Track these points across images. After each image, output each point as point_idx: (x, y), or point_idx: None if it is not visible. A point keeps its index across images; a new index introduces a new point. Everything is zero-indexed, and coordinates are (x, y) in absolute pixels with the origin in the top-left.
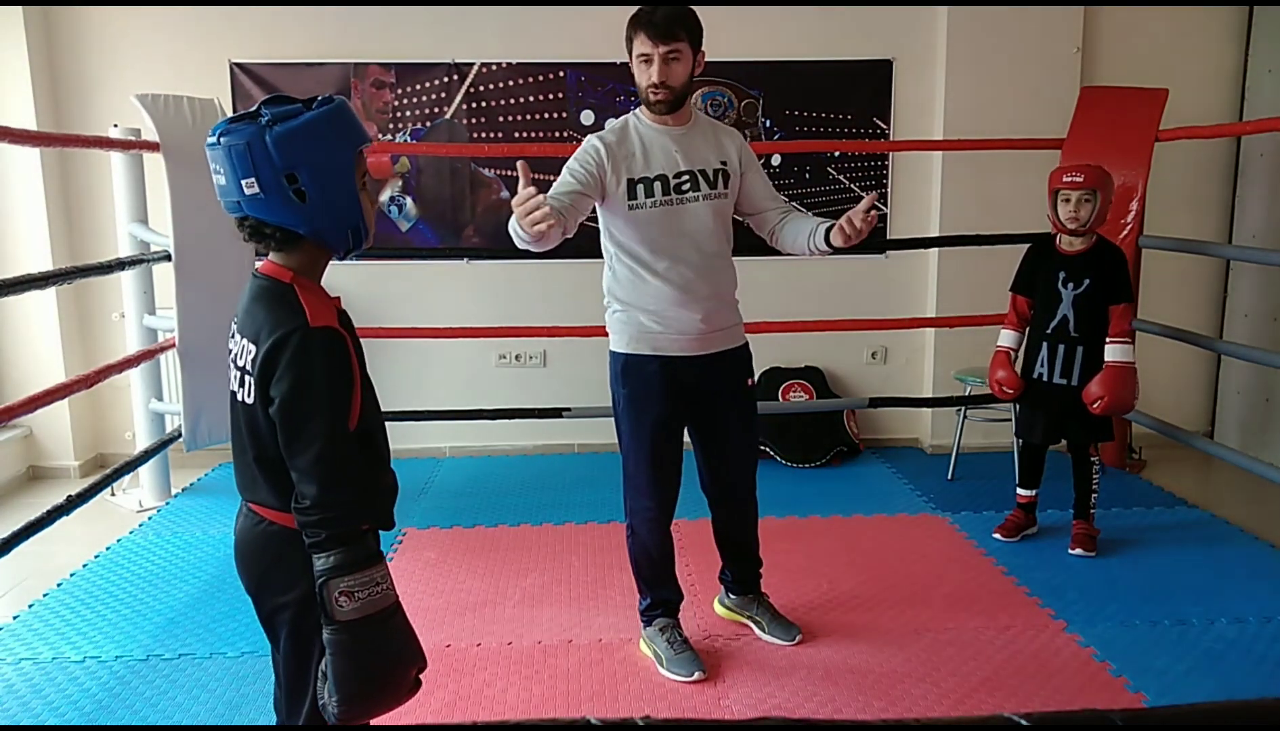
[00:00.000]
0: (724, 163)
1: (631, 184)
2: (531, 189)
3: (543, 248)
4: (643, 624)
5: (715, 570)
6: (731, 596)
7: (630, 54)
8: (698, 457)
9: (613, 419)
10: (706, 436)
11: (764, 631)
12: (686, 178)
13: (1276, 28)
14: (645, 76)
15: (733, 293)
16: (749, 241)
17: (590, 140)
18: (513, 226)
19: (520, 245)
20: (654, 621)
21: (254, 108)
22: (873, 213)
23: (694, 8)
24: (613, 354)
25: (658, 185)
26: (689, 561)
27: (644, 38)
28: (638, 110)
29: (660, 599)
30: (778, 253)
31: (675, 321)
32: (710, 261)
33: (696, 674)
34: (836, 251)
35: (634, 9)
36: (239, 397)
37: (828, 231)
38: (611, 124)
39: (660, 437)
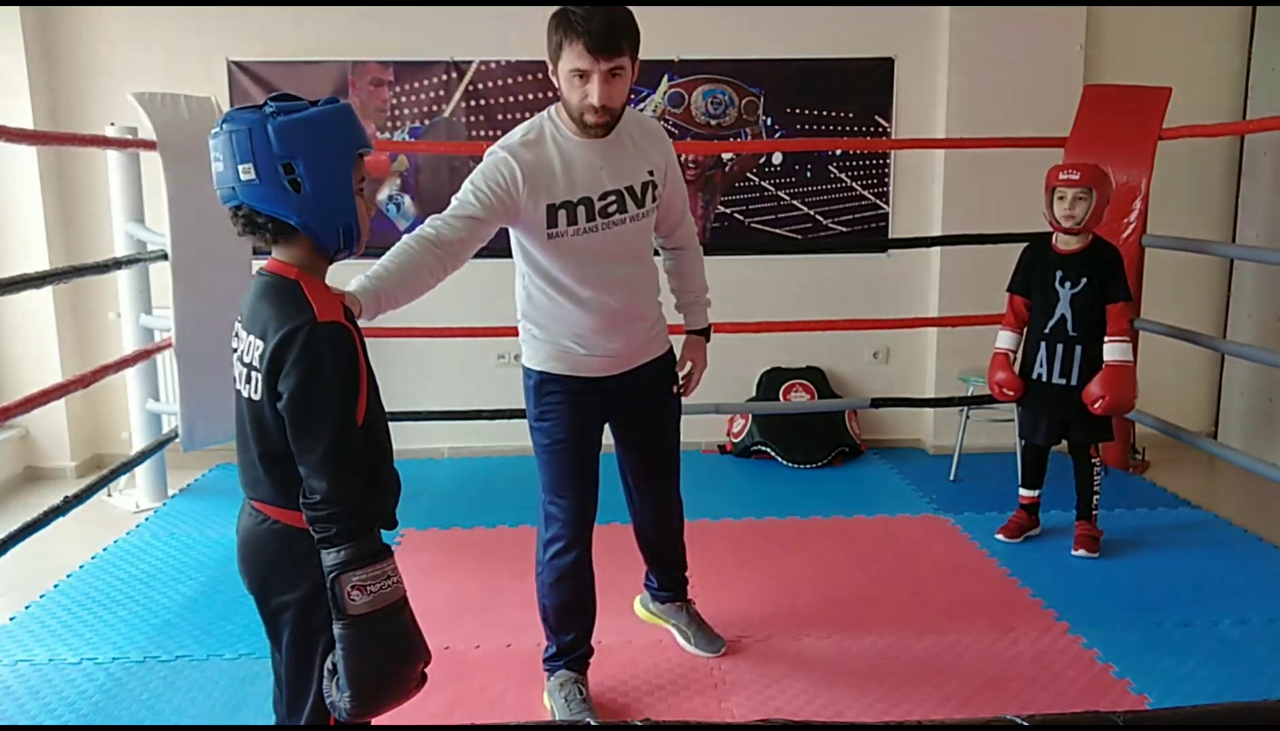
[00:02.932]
0: (651, 173)
1: (551, 209)
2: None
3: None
4: (545, 671)
5: (717, 571)
6: (654, 604)
7: (555, 62)
8: (619, 457)
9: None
10: (625, 435)
11: (689, 642)
12: (613, 199)
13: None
14: (579, 94)
15: (655, 302)
16: (753, 241)
17: (500, 155)
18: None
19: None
20: (555, 672)
21: (261, 101)
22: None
23: (694, 7)
24: (526, 370)
25: (581, 210)
26: (690, 561)
27: (581, 50)
28: (555, 114)
29: (566, 645)
30: (778, 252)
31: (597, 346)
32: (634, 282)
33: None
34: (791, 244)
35: (637, 9)
36: (244, 394)
37: (692, 326)
38: (525, 130)
39: (576, 459)
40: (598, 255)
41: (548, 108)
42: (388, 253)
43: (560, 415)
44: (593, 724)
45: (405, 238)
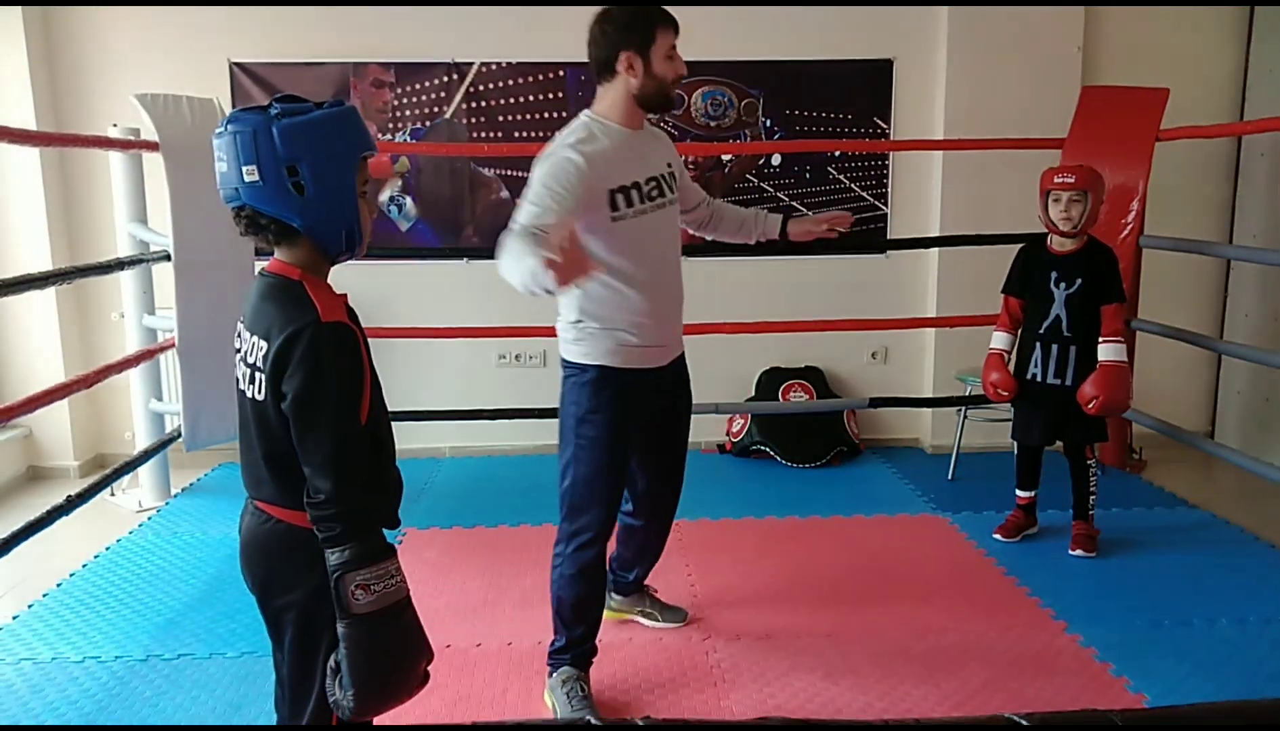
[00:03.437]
0: (669, 166)
1: (613, 194)
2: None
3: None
4: (549, 668)
5: (716, 570)
6: (618, 597)
7: (645, 47)
8: (638, 466)
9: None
10: (654, 432)
11: (658, 620)
12: (654, 183)
13: (1277, 28)
14: (672, 70)
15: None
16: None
17: (562, 155)
18: (526, 273)
19: (523, 289)
20: (559, 669)
21: (265, 103)
22: (838, 227)
23: (694, 7)
24: (579, 366)
25: (634, 193)
26: (689, 561)
27: (672, 32)
28: (595, 114)
29: (574, 639)
30: (777, 253)
31: (651, 334)
32: (676, 267)
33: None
34: (788, 244)
35: (634, 8)
36: (248, 395)
37: (784, 222)
38: (573, 132)
39: (619, 454)
40: (650, 237)
41: (581, 113)
42: (520, 246)
43: (613, 410)
44: (593, 722)
45: (515, 255)
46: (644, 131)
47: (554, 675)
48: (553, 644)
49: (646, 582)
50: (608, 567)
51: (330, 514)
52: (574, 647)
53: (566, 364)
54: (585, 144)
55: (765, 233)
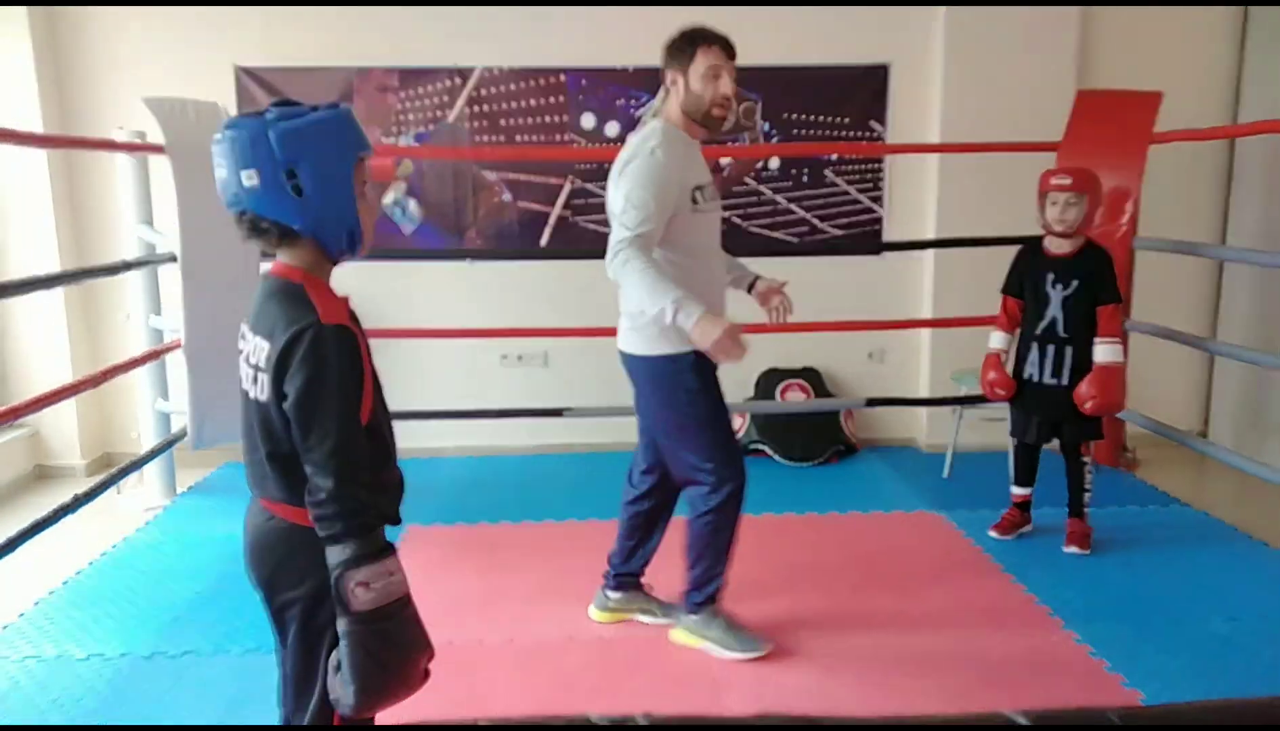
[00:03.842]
0: (708, 181)
1: (693, 190)
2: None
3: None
4: (691, 612)
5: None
6: (615, 595)
7: (685, 66)
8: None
9: (664, 423)
10: None
11: (657, 616)
12: (709, 185)
13: (1271, 31)
14: (713, 89)
15: None
16: (751, 244)
17: (650, 154)
18: (657, 311)
19: (638, 310)
20: (704, 608)
21: (262, 109)
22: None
23: (695, 7)
24: (671, 357)
25: (707, 190)
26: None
27: (719, 51)
28: (662, 123)
29: (720, 585)
30: (776, 253)
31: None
32: (722, 261)
33: (766, 647)
34: (786, 247)
35: (637, 9)
36: (251, 395)
37: (752, 283)
38: (653, 137)
39: (728, 417)
40: (713, 232)
41: (652, 123)
42: (656, 278)
43: (714, 386)
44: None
45: (643, 264)
46: (698, 143)
47: (699, 614)
48: (703, 590)
49: (643, 580)
50: (607, 562)
51: (331, 512)
52: (717, 591)
53: (651, 359)
54: (664, 147)
55: (737, 283)
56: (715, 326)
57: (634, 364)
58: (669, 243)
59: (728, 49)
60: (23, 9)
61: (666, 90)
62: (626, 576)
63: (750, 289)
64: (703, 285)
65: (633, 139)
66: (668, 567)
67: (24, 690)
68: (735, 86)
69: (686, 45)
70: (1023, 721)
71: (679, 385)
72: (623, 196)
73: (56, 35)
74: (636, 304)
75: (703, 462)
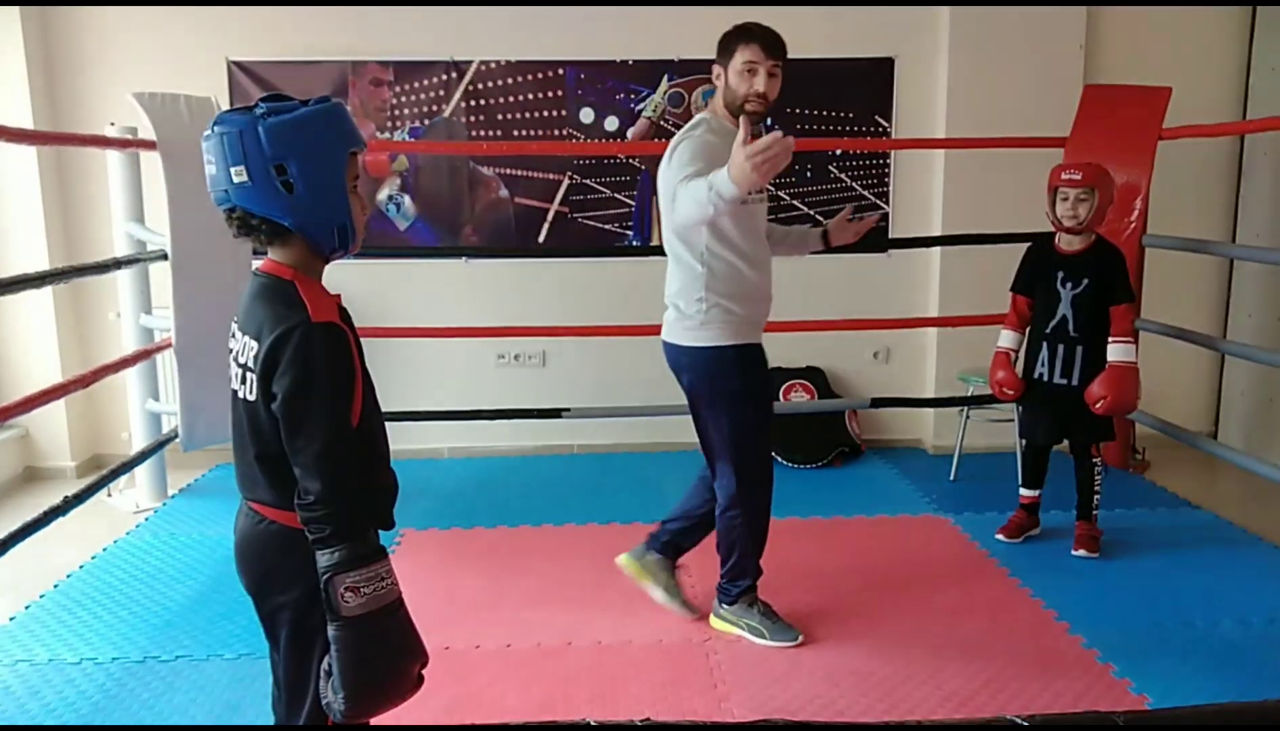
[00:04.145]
0: None
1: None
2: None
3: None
4: (726, 603)
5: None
6: (654, 554)
7: (726, 61)
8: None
9: (703, 415)
10: None
11: (673, 599)
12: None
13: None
14: (747, 84)
15: None
16: None
17: (704, 136)
18: (717, 192)
19: (701, 212)
20: (741, 598)
21: (252, 103)
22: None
23: (696, 7)
24: (716, 348)
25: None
26: (689, 561)
27: (756, 48)
28: (708, 116)
29: (756, 575)
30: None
31: (759, 312)
32: (768, 253)
33: (800, 638)
34: (828, 249)
35: (638, 9)
36: (240, 395)
37: (824, 233)
38: (697, 122)
39: (769, 420)
40: (761, 224)
41: (701, 113)
42: (695, 185)
43: (760, 380)
44: (593, 723)
45: (687, 185)
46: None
47: (736, 604)
48: (737, 584)
49: (680, 563)
50: (661, 523)
51: (320, 515)
52: (754, 582)
53: (695, 350)
54: (710, 132)
55: (810, 247)
56: (742, 159)
57: (677, 354)
58: (719, 236)
59: (767, 46)
60: (14, 6)
61: (714, 85)
62: (672, 537)
63: (825, 241)
64: (752, 277)
65: (683, 129)
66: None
67: (15, 695)
68: (775, 82)
69: (730, 41)
70: (1027, 725)
71: (721, 381)
72: (675, 170)
73: (47, 30)
74: (698, 215)
75: (730, 462)
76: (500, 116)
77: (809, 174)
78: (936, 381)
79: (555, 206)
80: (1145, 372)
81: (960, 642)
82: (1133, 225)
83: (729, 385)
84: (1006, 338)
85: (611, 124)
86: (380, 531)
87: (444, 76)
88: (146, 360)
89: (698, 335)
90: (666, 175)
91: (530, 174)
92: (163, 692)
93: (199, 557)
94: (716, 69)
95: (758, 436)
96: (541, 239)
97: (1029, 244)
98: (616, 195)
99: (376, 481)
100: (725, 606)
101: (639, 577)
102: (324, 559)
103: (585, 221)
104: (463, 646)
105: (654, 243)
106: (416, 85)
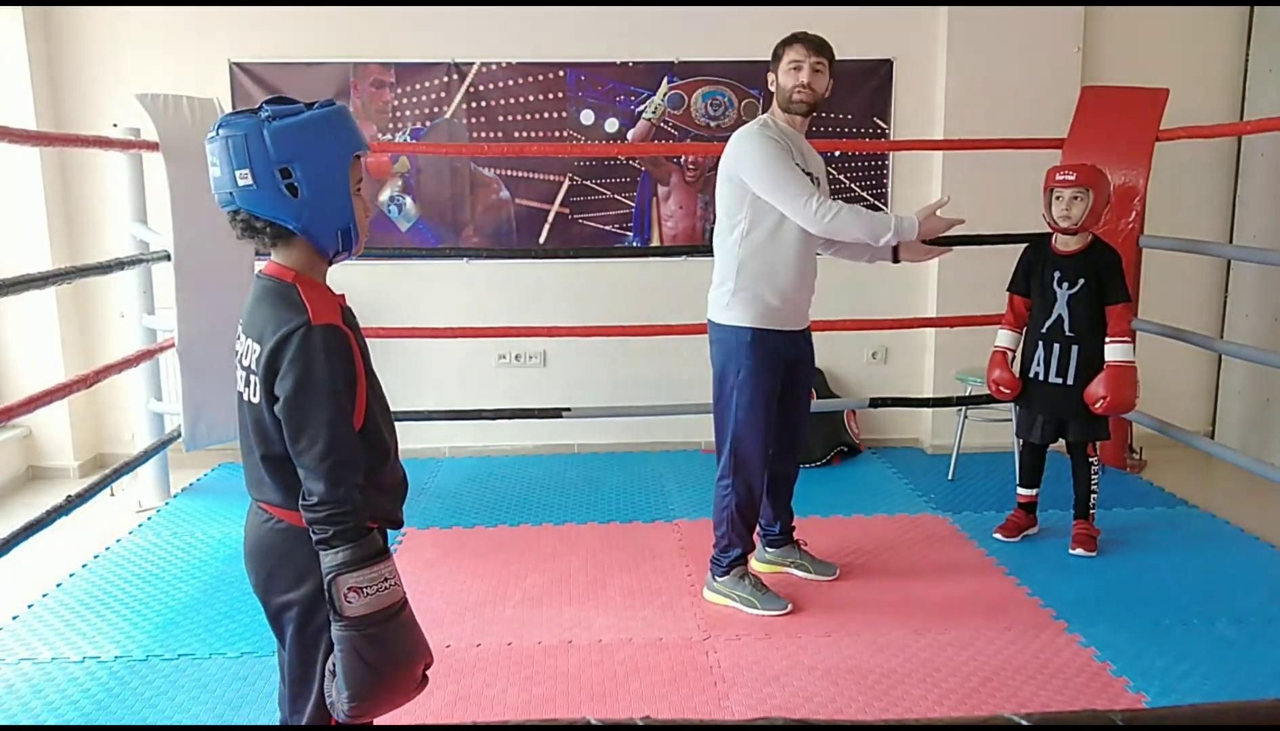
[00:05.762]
0: (816, 176)
1: (802, 170)
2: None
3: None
4: (717, 574)
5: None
6: (770, 550)
7: (777, 67)
8: (776, 413)
9: (715, 387)
10: (790, 397)
11: (809, 572)
12: (812, 178)
13: (1278, 27)
14: (793, 79)
15: None
16: None
17: (769, 135)
18: (881, 226)
19: (869, 236)
20: (732, 570)
21: (256, 106)
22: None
23: (696, 8)
24: (736, 328)
25: (821, 182)
26: (689, 560)
27: (800, 48)
28: (768, 119)
29: (746, 547)
30: None
31: (790, 301)
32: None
33: (789, 606)
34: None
35: (638, 10)
36: (245, 398)
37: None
38: (753, 123)
39: (773, 404)
40: None
41: (762, 116)
42: (868, 213)
43: (769, 367)
44: (593, 722)
45: (846, 208)
46: (802, 135)
47: (728, 575)
48: (725, 552)
49: (797, 537)
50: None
51: (323, 516)
52: (743, 553)
53: (717, 325)
54: (768, 130)
55: (877, 256)
56: (935, 222)
57: (710, 327)
58: (757, 223)
59: (810, 45)
60: (17, 7)
61: (769, 90)
62: (780, 533)
63: (894, 256)
64: (785, 267)
65: (738, 132)
66: (666, 568)
67: (19, 693)
68: (820, 77)
69: (778, 48)
70: (1025, 724)
71: (731, 357)
72: (760, 162)
73: (50, 30)
74: (866, 237)
75: (726, 441)
76: (501, 118)
77: None
78: (934, 381)
79: (556, 207)
80: (1143, 372)
81: (958, 641)
82: (1130, 226)
83: (740, 364)
84: (1004, 337)
85: (612, 126)
86: (389, 529)
87: (445, 78)
88: (150, 360)
89: (723, 313)
90: (740, 161)
91: (531, 175)
92: (166, 691)
93: (202, 557)
94: (770, 75)
95: (754, 422)
96: (542, 240)
97: (1026, 244)
98: (617, 196)
99: (383, 481)
100: (717, 579)
101: (774, 570)
102: (327, 559)
103: (586, 222)
104: (464, 645)
105: (654, 243)
106: (418, 87)
